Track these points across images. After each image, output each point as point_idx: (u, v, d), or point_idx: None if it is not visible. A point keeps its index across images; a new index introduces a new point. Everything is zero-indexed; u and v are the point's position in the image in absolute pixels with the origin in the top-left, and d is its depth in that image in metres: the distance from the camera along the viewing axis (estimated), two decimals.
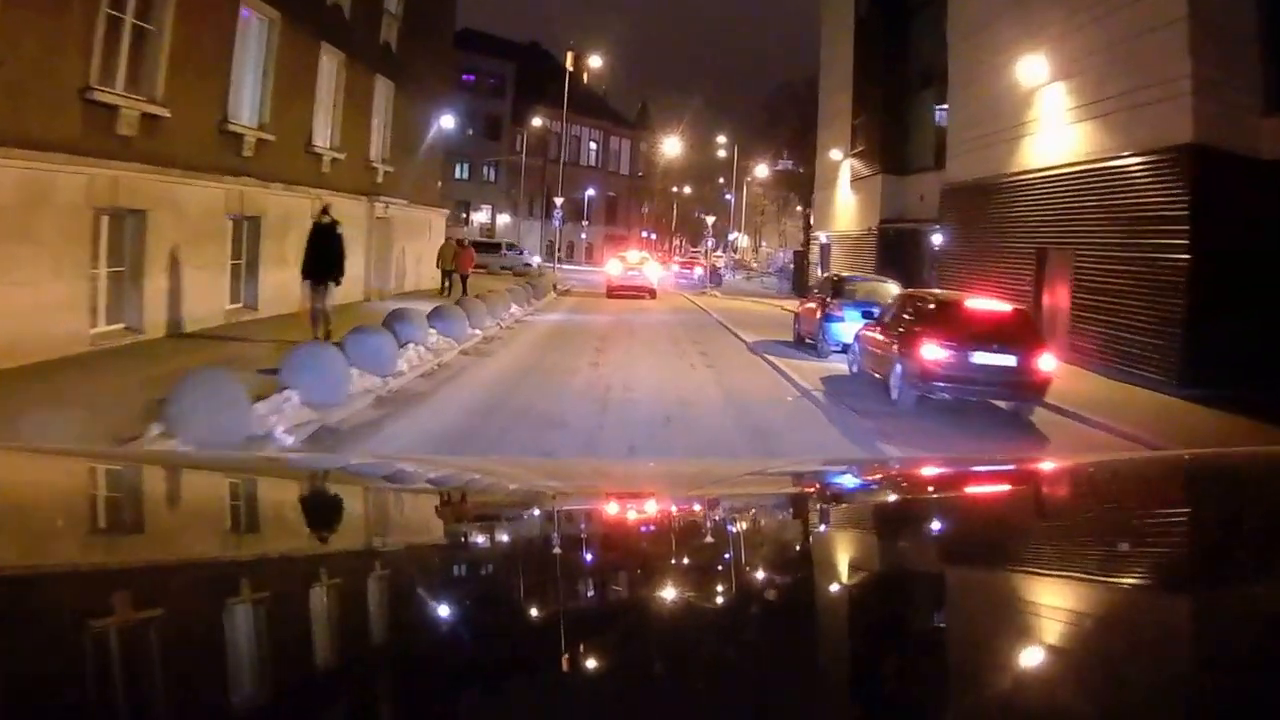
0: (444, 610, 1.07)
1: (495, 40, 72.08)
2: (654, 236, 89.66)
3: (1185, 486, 1.83)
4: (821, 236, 40.22)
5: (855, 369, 15.23)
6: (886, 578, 1.29)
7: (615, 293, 35.35)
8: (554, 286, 38.09)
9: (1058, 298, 20.49)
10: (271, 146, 18.56)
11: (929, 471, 2.29)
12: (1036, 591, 1.18)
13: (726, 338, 21.50)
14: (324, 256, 14.52)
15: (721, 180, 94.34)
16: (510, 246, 50.05)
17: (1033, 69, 21.01)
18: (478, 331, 17.87)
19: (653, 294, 36.07)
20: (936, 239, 29.84)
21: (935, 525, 1.68)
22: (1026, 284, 21.50)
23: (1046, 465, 2.64)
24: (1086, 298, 18.95)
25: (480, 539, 1.48)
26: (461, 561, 1.33)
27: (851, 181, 36.82)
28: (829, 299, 18.22)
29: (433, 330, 15.80)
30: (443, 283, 27.50)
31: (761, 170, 71.36)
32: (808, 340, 19.21)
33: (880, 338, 13.94)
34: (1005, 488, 1.96)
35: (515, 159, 67.20)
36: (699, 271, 54.43)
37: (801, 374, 15.15)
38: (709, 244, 41.24)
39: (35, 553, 1.13)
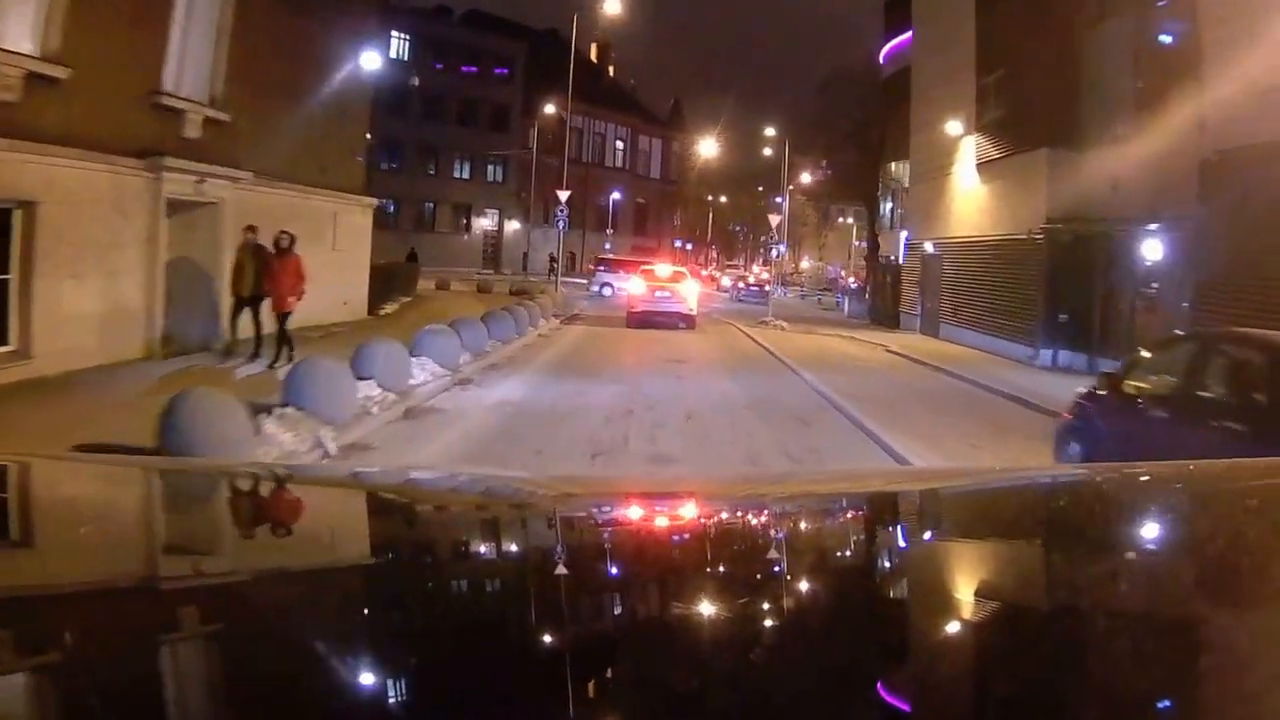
0: (475, 624, 1.00)
1: (504, 23, 60.06)
2: (689, 247, 77.18)
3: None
4: (927, 245, 27.52)
5: None
6: (917, 593, 1.21)
7: (638, 321, 23.94)
8: (553, 313, 25.84)
9: None
10: None
11: (972, 482, 2.02)
12: (1096, 610, 1.09)
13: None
14: None
15: (761, 188, 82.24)
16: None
17: None
18: None
19: (691, 323, 24.26)
20: (1153, 247, 17.57)
21: (974, 537, 1.49)
22: None
23: (1102, 476, 2.10)
24: None
25: (506, 549, 1.37)
26: (491, 573, 1.24)
27: (979, 165, 24.19)
28: None
29: None
30: (233, 321, 12.73)
31: (806, 177, 59.22)
32: None
33: None
34: (1055, 500, 1.73)
35: (526, 156, 54.95)
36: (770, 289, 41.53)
37: None
38: (775, 251, 28.16)
39: (52, 563, 1.09)
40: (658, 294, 24.64)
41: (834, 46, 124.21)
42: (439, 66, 53.18)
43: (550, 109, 53.89)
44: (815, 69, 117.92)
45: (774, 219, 27.50)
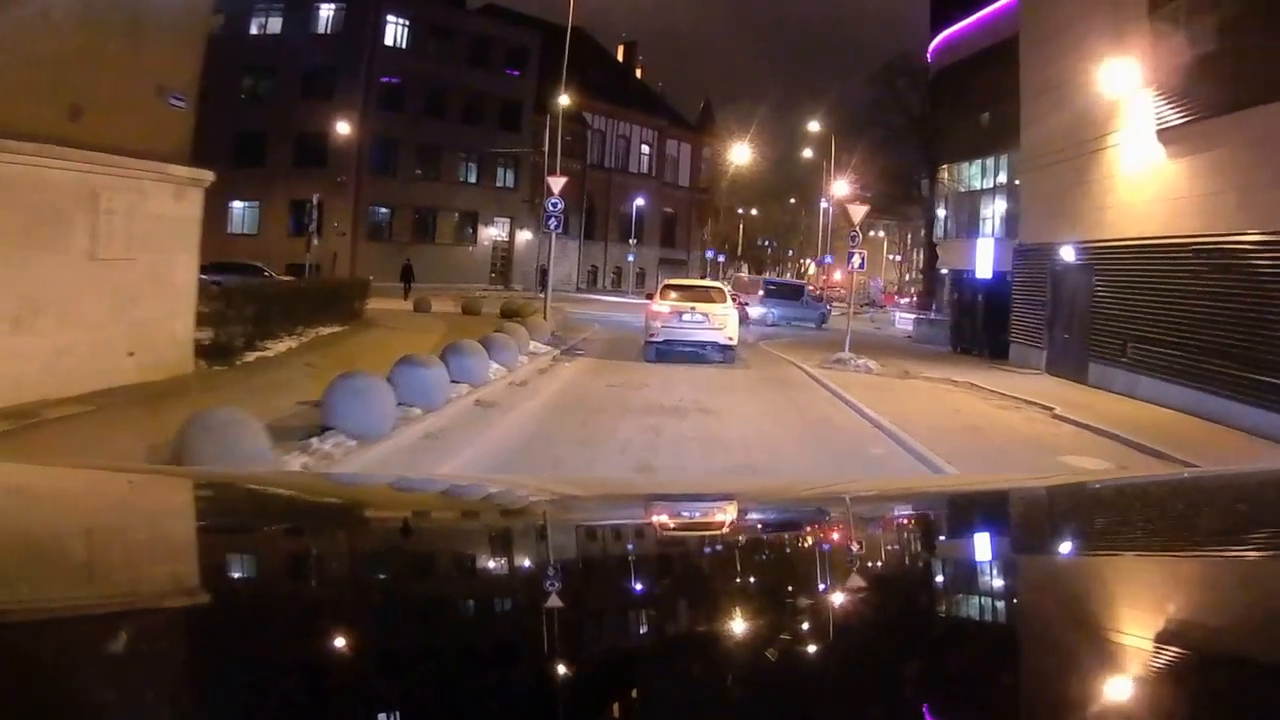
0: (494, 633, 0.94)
1: (519, 17, 51.77)
2: (722, 259, 68.31)
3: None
4: (1062, 252, 18.60)
5: None
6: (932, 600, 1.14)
7: (660, 351, 17.37)
8: (551, 337, 17.60)
9: None
10: None
11: (1016, 490, 1.85)
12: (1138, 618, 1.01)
13: None
14: None
15: (793, 200, 73.60)
16: (816, 298, 36.91)
17: None
18: None
19: (729, 355, 17.64)
20: None
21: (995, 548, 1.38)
22: None
23: (1127, 482, 2.20)
24: None
25: (497, 558, 1.29)
26: (487, 584, 1.14)
27: (1163, 133, 15.40)
28: None
29: None
30: None
31: (843, 186, 50.67)
32: None
33: None
34: (1114, 508, 1.63)
35: (540, 158, 46.68)
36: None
37: None
38: (856, 260, 18.72)
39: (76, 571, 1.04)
40: (684, 316, 17.36)
41: (876, 48, 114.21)
42: (442, 57, 44.97)
43: (569, 105, 45.67)
44: (856, 70, 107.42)
45: (855, 211, 18.27)
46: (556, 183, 18.57)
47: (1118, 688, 0.80)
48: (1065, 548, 1.36)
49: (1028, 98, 21.60)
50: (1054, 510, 1.58)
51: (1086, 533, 1.44)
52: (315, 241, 28.06)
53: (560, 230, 18.35)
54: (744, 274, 57.03)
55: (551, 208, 17.94)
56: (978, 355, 23.32)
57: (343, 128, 38.24)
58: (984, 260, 31.98)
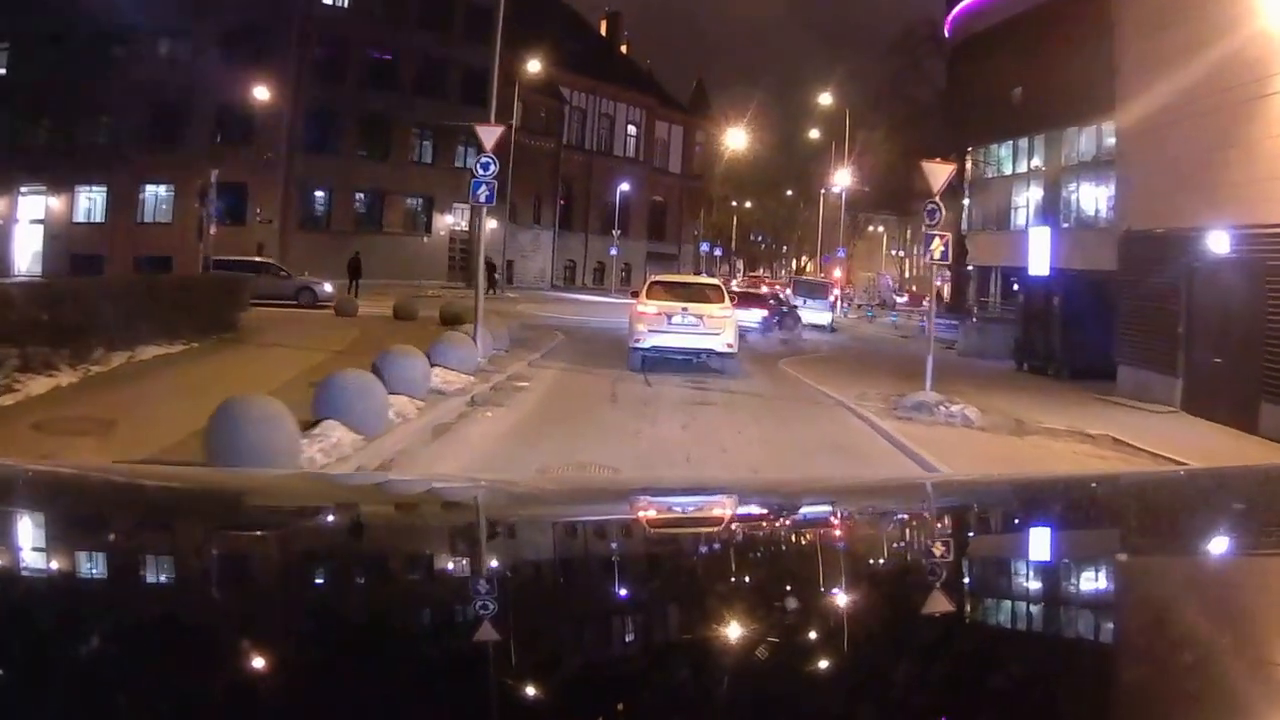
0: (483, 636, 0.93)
1: None
2: (718, 254, 63.46)
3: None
4: (1213, 239, 13.37)
5: None
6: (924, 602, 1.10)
7: (646, 359, 15.09)
8: (485, 357, 12.72)
9: None
10: None
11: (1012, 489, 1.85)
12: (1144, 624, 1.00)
13: None
14: None
15: (790, 193, 69.22)
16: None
17: None
18: None
19: (727, 364, 15.38)
20: None
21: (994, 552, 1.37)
22: None
23: (1121, 481, 2.17)
24: None
25: (525, 560, 1.28)
26: (511, 584, 1.14)
27: None
28: None
29: None
30: None
31: (846, 178, 46.19)
32: None
33: None
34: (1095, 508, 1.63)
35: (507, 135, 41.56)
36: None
37: None
38: (931, 249, 13.09)
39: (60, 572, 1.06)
40: (675, 319, 15.09)
41: (885, 27, 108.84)
42: (390, 19, 39.84)
43: (543, 78, 40.69)
44: (864, 50, 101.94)
45: (935, 171, 12.43)
46: (488, 133, 13.08)
47: (1118, 686, 0.80)
48: (1065, 546, 1.34)
49: (1130, 38, 16.66)
50: (1055, 509, 1.57)
51: (1087, 530, 1.44)
52: (211, 230, 23.13)
53: (493, 203, 13.15)
54: (808, 275, 52.93)
55: (482, 170, 12.58)
56: (1054, 376, 18.61)
57: (270, 96, 33.21)
58: (1038, 254, 27.12)
